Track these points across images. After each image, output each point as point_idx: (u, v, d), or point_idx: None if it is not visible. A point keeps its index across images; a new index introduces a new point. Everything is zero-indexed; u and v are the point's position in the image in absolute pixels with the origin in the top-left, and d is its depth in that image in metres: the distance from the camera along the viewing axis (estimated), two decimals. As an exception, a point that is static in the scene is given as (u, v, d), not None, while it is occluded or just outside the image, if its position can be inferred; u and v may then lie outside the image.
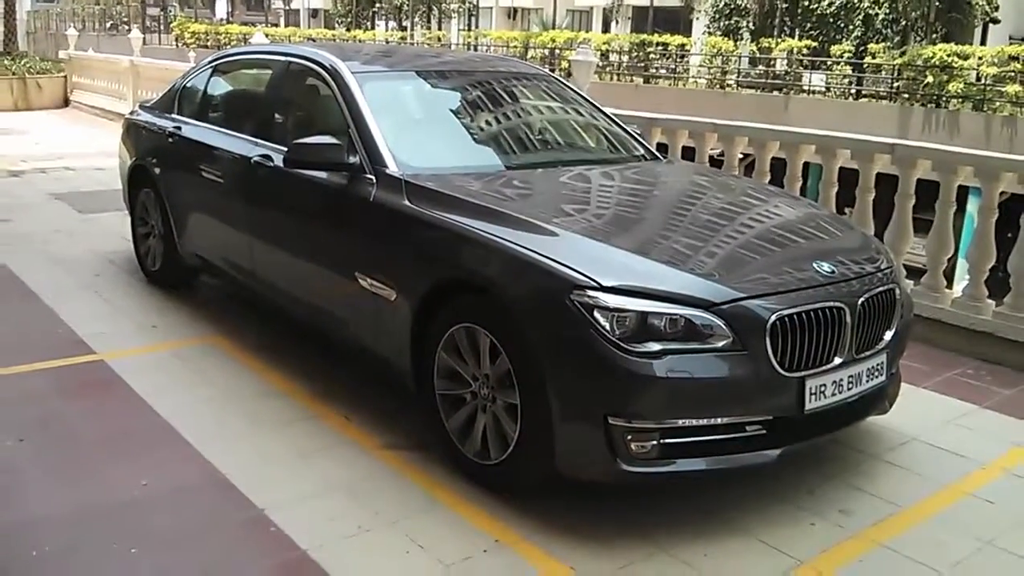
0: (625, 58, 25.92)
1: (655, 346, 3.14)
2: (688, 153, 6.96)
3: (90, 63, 18.75)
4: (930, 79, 17.79)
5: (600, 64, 25.68)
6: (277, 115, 5.06)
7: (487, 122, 4.89)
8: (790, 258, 3.64)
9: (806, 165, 6.37)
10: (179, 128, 5.78)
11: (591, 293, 3.18)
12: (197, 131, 5.62)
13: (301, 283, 4.65)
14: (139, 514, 3.38)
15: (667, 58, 25.34)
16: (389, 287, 3.89)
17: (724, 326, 3.19)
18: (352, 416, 4.22)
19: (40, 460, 3.79)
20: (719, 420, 3.24)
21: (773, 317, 3.22)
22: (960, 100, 17.48)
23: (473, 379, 3.58)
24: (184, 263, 5.84)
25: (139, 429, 4.08)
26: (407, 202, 3.90)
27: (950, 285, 5.78)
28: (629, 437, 3.16)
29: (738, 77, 23.23)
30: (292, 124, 4.97)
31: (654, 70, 25.28)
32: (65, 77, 19.33)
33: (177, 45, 36.96)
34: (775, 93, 21.17)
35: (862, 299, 3.49)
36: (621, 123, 5.22)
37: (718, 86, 22.85)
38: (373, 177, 4.09)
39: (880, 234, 5.63)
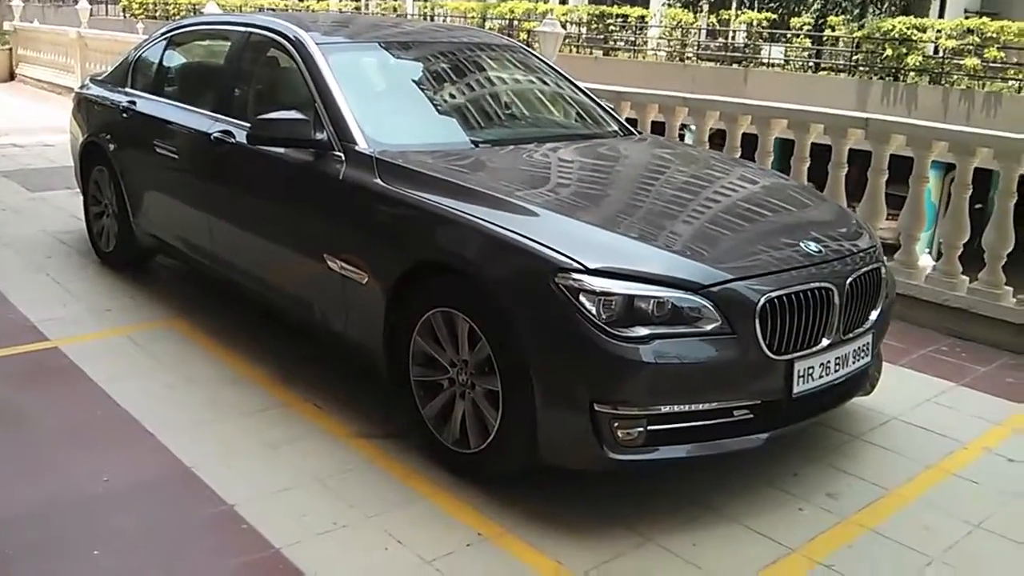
0: (584, 30, 25.67)
1: (642, 330, 3.03)
2: (657, 128, 6.85)
3: (36, 35, 18.11)
4: (888, 52, 17.84)
5: (559, 36, 25.43)
6: (238, 89, 4.85)
7: (457, 96, 4.71)
8: (778, 238, 3.54)
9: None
10: (133, 103, 5.53)
11: (576, 276, 3.05)
12: (153, 106, 5.37)
13: (265, 265, 4.47)
14: (101, 512, 3.20)
15: (626, 30, 25.13)
16: (360, 270, 3.73)
17: (713, 309, 3.08)
18: (322, 403, 4.06)
19: (-7, 455, 3.60)
20: (707, 405, 3.15)
21: (763, 299, 3.12)
22: (918, 73, 17.55)
23: (451, 365, 3.44)
24: (139, 243, 5.60)
25: (98, 420, 3.89)
26: (379, 180, 3.73)
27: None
28: (616, 424, 3.05)
29: (697, 50, 23.13)
30: (254, 98, 4.77)
31: (613, 43, 25.07)
32: (10, 50, 18.67)
33: (125, 16, 35.95)
34: (734, 66, 21.12)
35: (850, 279, 3.40)
36: (594, 97, 5.08)
37: (678, 59, 22.73)
38: (342, 154, 3.92)
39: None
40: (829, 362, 3.35)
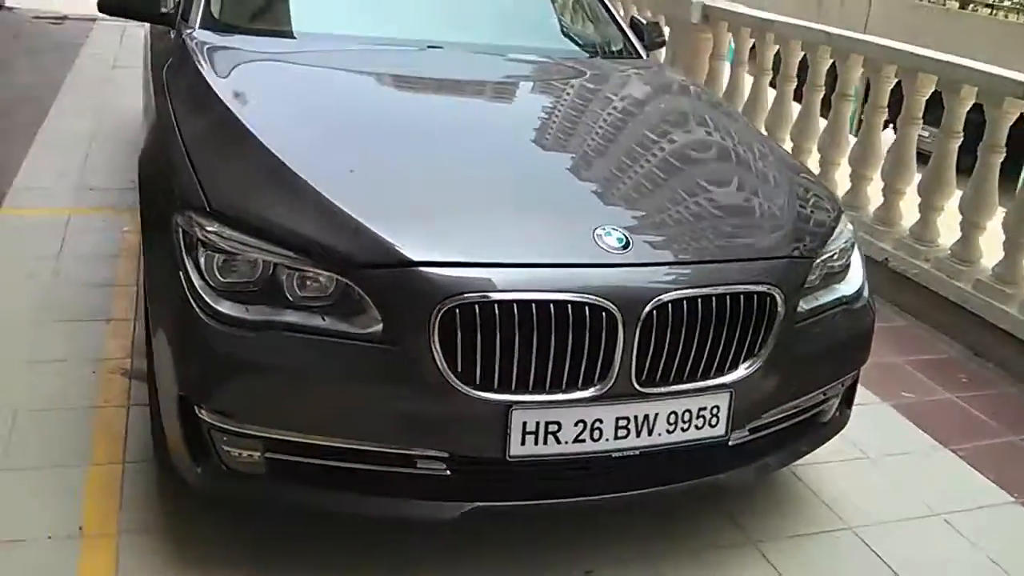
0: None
1: (262, 313, 2.04)
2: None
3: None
4: None
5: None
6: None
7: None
8: (566, 213, 2.31)
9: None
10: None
11: (197, 217, 2.12)
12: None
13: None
14: None
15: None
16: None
17: (371, 301, 2.02)
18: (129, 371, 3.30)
19: None
20: (365, 444, 2.10)
21: (453, 301, 1.98)
22: None
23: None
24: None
25: None
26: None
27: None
28: (224, 439, 2.12)
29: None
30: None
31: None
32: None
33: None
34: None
35: (658, 301, 2.08)
36: (611, 8, 3.86)
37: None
38: (174, 35, 3.22)
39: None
40: (600, 423, 2.11)
